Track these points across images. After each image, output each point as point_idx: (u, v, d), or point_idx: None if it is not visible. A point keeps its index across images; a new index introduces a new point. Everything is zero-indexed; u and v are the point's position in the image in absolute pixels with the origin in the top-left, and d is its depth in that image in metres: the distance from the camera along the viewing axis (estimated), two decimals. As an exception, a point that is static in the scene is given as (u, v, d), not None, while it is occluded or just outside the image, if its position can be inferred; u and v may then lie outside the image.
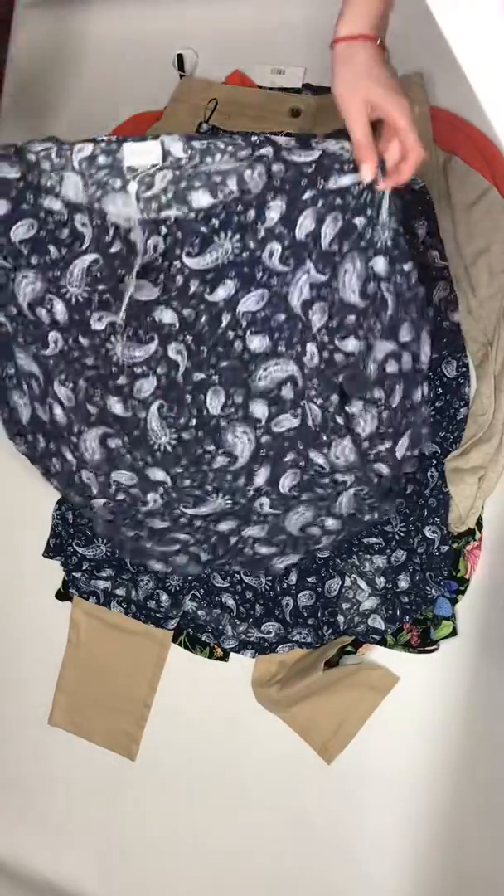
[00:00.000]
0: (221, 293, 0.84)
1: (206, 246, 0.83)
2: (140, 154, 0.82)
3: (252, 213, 0.81)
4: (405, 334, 0.86)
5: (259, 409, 0.89)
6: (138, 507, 0.97)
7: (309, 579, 1.14)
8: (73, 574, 1.24)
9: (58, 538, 1.25)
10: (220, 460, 0.91)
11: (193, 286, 0.84)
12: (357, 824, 1.15)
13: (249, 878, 1.19)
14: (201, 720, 1.23)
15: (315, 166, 0.79)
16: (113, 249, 0.85)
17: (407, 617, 1.10)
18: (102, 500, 0.98)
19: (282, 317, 0.85)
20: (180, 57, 1.29)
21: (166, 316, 0.86)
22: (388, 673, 1.14)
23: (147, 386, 0.89)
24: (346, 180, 0.79)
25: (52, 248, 0.87)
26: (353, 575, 1.12)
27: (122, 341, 0.88)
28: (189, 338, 0.87)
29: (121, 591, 1.22)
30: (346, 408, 0.88)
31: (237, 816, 1.20)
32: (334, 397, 0.87)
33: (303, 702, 1.15)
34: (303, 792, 1.17)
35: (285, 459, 0.92)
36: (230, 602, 1.17)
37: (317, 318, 0.85)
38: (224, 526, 0.98)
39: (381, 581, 1.11)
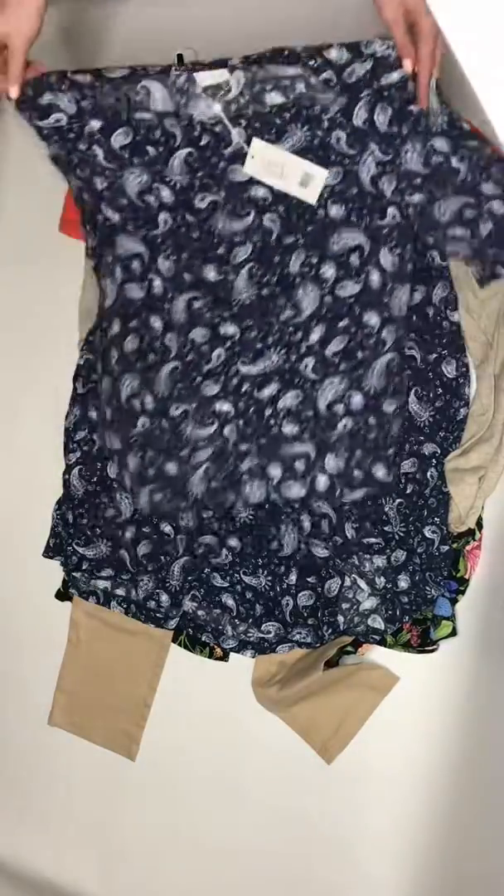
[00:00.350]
0: None
1: (281, 135, 1.01)
2: (212, 78, 1.00)
3: (318, 107, 1.00)
4: (489, 189, 1.00)
5: (329, 271, 1.05)
6: (201, 369, 1.09)
7: (309, 579, 1.14)
8: (73, 574, 1.24)
9: (58, 538, 1.25)
10: (288, 313, 1.06)
11: None
12: (357, 824, 1.15)
13: (249, 878, 1.19)
14: (201, 720, 1.23)
15: (368, 71, 0.98)
16: (203, 142, 1.02)
17: (407, 617, 1.10)
18: (172, 366, 1.10)
19: (354, 190, 1.03)
20: (180, 57, 1.29)
21: (259, 192, 1.04)
22: (388, 673, 1.14)
23: (242, 253, 1.06)
24: (394, 76, 0.97)
25: (150, 149, 1.04)
26: (353, 575, 1.12)
27: (223, 217, 1.05)
28: (281, 208, 1.04)
29: (121, 591, 1.22)
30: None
31: (237, 816, 1.20)
32: (409, 247, 1.04)
33: (303, 702, 1.15)
34: (303, 792, 1.17)
35: (339, 325, 1.05)
36: (230, 602, 1.17)
37: (385, 187, 1.02)
38: (266, 392, 1.08)
39: (380, 581, 1.11)
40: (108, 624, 1.26)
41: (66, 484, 1.24)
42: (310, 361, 1.07)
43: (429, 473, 1.10)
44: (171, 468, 1.12)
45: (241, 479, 1.10)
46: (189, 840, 1.23)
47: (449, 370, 1.11)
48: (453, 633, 1.10)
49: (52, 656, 1.31)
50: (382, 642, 1.12)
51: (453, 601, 1.10)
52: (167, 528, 1.19)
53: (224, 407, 1.09)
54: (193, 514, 1.14)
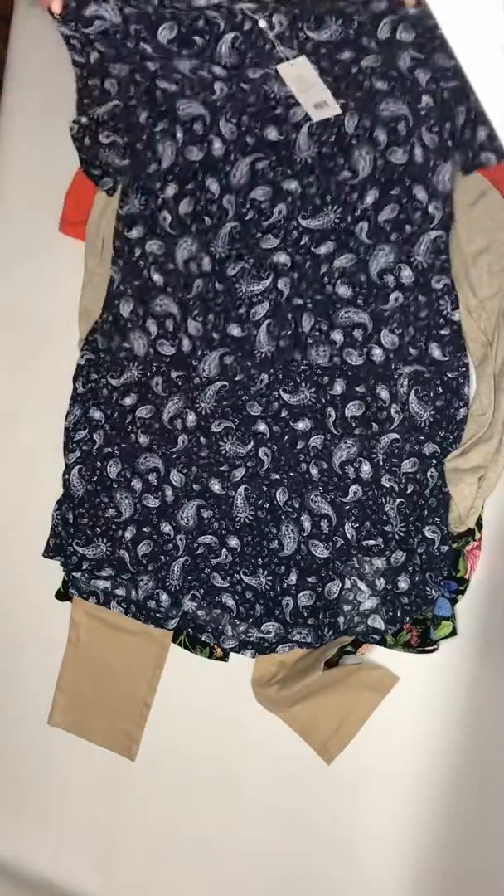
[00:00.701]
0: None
1: (320, 24, 1.03)
2: None
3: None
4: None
5: (381, 136, 1.08)
6: (261, 223, 1.13)
7: (309, 579, 1.14)
8: (73, 574, 1.24)
9: (58, 538, 1.25)
10: (345, 174, 1.10)
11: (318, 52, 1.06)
12: (357, 824, 1.15)
13: (249, 878, 1.19)
14: (201, 720, 1.23)
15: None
16: (246, 27, 1.05)
17: (407, 618, 1.10)
18: (231, 225, 1.14)
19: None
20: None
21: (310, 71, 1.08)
22: (388, 673, 1.14)
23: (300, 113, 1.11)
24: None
25: (196, 38, 1.08)
26: (353, 577, 1.12)
27: (270, 98, 1.11)
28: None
29: (121, 591, 1.22)
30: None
31: (237, 816, 1.20)
32: (447, 126, 1.06)
33: (303, 702, 1.15)
34: (303, 792, 1.17)
35: (391, 192, 1.09)
36: (230, 602, 1.17)
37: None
38: (323, 249, 1.12)
39: (380, 582, 1.11)
40: (108, 624, 1.26)
41: (66, 484, 1.24)
42: (364, 226, 1.10)
43: (429, 473, 1.10)
44: (234, 329, 1.16)
45: (306, 341, 1.14)
46: (189, 840, 1.23)
47: (449, 370, 1.11)
48: (453, 633, 1.10)
49: (52, 656, 1.30)
50: (382, 642, 1.12)
51: (453, 601, 1.10)
52: (167, 528, 1.19)
53: (281, 259, 1.13)
54: (268, 375, 1.15)
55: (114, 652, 1.27)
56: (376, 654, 1.15)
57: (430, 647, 1.11)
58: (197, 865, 1.22)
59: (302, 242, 1.12)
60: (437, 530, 1.09)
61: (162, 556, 1.19)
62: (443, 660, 1.11)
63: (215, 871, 1.21)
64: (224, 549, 1.17)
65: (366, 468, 1.12)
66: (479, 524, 1.11)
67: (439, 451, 1.10)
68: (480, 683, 1.10)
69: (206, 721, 1.23)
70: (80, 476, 1.23)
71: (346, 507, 1.13)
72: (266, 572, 1.16)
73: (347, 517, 1.12)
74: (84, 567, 1.23)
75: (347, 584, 1.12)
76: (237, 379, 1.15)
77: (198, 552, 1.18)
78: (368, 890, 1.13)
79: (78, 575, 1.24)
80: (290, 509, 1.15)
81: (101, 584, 1.23)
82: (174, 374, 1.18)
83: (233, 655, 1.21)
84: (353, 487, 1.12)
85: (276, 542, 1.15)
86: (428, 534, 1.09)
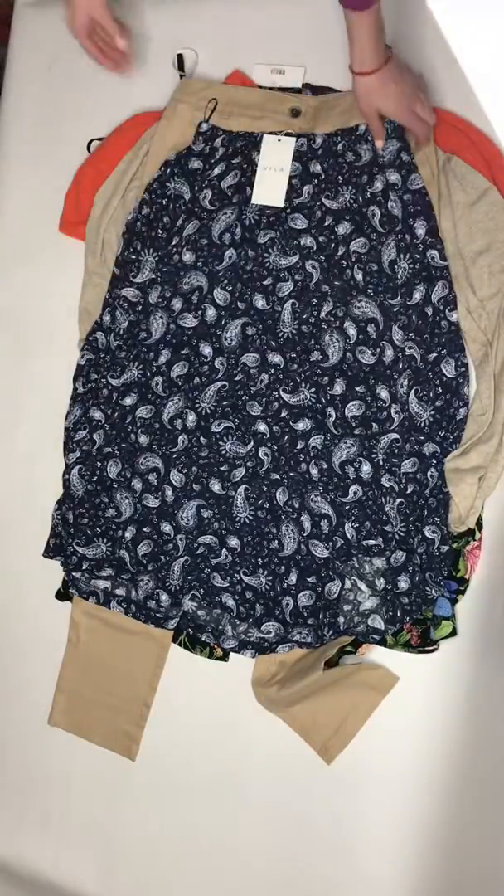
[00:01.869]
0: None
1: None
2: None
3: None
4: None
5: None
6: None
7: (309, 579, 1.14)
8: (73, 574, 1.24)
9: (58, 538, 1.25)
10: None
11: None
12: (357, 824, 1.15)
13: (249, 878, 1.19)
14: (201, 720, 1.23)
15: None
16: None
17: (407, 617, 1.10)
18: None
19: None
20: (180, 57, 1.29)
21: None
22: (388, 673, 1.14)
23: None
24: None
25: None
26: (353, 577, 1.12)
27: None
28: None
29: (121, 591, 1.22)
30: None
31: (237, 816, 1.20)
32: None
33: (303, 702, 1.15)
34: (303, 792, 1.17)
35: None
36: (230, 602, 1.17)
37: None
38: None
39: (380, 582, 1.11)
40: (108, 624, 1.26)
41: (66, 484, 1.24)
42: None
43: (429, 473, 1.10)
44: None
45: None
46: (189, 840, 1.23)
47: (448, 370, 1.11)
48: (453, 633, 1.10)
49: (52, 656, 1.30)
50: (382, 642, 1.12)
51: (453, 601, 1.10)
52: (167, 528, 1.19)
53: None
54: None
55: (114, 652, 1.27)
56: (376, 654, 1.15)
57: (430, 647, 1.11)
58: (197, 865, 1.22)
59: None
60: (437, 530, 1.09)
61: (162, 556, 1.19)
62: (443, 660, 1.11)
63: (215, 871, 1.21)
64: (224, 549, 1.17)
65: (366, 468, 1.12)
66: (479, 524, 1.11)
67: (439, 450, 1.10)
68: (480, 683, 1.10)
69: (206, 721, 1.23)
70: (80, 476, 1.23)
71: (346, 507, 1.13)
72: (266, 572, 1.16)
73: (347, 517, 1.12)
74: (84, 567, 1.23)
75: (347, 584, 1.12)
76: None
77: (198, 552, 1.18)
78: (368, 890, 1.13)
79: (78, 575, 1.24)
80: (290, 509, 1.15)
81: (101, 584, 1.23)
82: (174, 374, 1.19)
83: (233, 655, 1.21)
84: (354, 488, 1.12)
85: (276, 542, 1.15)
86: (428, 534, 1.09)
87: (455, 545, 1.10)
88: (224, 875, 1.20)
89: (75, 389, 1.24)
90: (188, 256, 1.20)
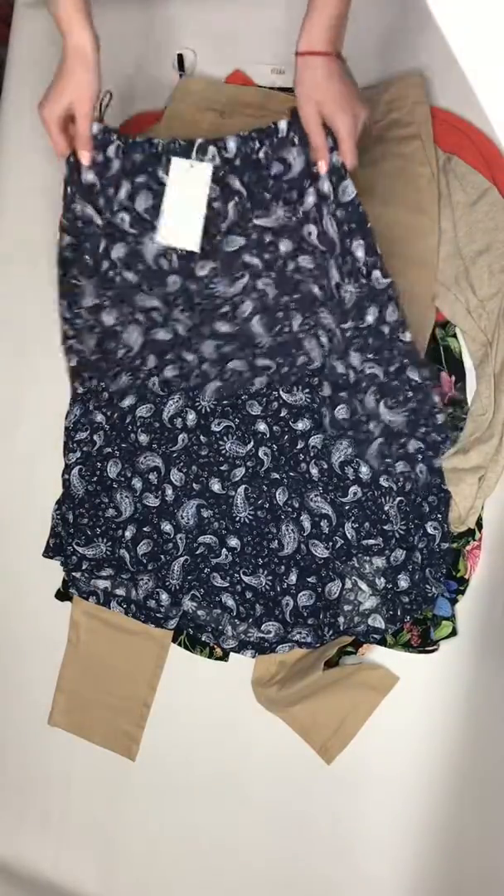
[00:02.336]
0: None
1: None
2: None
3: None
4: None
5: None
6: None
7: (309, 579, 1.14)
8: (73, 574, 1.24)
9: (58, 538, 1.25)
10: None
11: None
12: (357, 824, 1.15)
13: (249, 878, 1.19)
14: (201, 720, 1.23)
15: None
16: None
17: (408, 617, 1.10)
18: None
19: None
20: (180, 57, 1.29)
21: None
22: (388, 673, 1.14)
23: None
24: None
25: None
26: (354, 577, 1.12)
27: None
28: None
29: (121, 591, 1.22)
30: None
31: (237, 816, 1.20)
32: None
33: (303, 702, 1.15)
34: (302, 792, 1.17)
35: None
36: (230, 602, 1.17)
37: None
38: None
39: (380, 582, 1.11)
40: (108, 624, 1.26)
41: (66, 484, 1.24)
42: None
43: (417, 469, 1.10)
44: None
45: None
46: (189, 840, 1.23)
47: (414, 376, 1.07)
48: (453, 633, 1.10)
49: (52, 656, 1.30)
50: (382, 642, 1.12)
51: (453, 601, 1.10)
52: (167, 528, 1.19)
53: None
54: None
55: (114, 652, 1.27)
56: (376, 654, 1.15)
57: (430, 647, 1.11)
58: (197, 865, 1.22)
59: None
60: (438, 526, 1.09)
61: (162, 556, 1.19)
62: (443, 660, 1.11)
63: (215, 871, 1.21)
64: (224, 549, 1.17)
65: (364, 469, 1.12)
66: (479, 524, 1.11)
67: (423, 445, 1.10)
68: (480, 683, 1.10)
69: (206, 721, 1.23)
70: (80, 476, 1.23)
71: (346, 507, 1.13)
72: (266, 572, 1.16)
73: (347, 517, 1.12)
74: (84, 567, 1.23)
75: (348, 584, 1.12)
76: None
77: (198, 552, 1.18)
78: (368, 890, 1.13)
79: (78, 575, 1.24)
80: (290, 509, 1.15)
81: (101, 583, 1.23)
82: (168, 374, 1.19)
83: (233, 655, 1.21)
84: (353, 488, 1.12)
85: (276, 541, 1.15)
86: (430, 529, 1.10)
87: (455, 545, 1.10)
88: (224, 875, 1.20)
89: (75, 389, 1.24)
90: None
